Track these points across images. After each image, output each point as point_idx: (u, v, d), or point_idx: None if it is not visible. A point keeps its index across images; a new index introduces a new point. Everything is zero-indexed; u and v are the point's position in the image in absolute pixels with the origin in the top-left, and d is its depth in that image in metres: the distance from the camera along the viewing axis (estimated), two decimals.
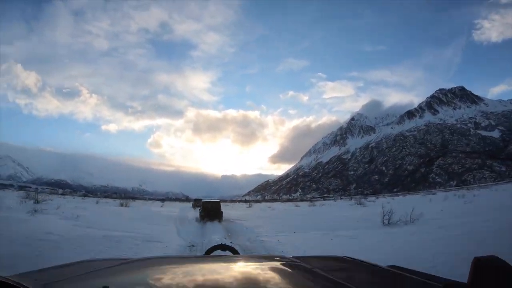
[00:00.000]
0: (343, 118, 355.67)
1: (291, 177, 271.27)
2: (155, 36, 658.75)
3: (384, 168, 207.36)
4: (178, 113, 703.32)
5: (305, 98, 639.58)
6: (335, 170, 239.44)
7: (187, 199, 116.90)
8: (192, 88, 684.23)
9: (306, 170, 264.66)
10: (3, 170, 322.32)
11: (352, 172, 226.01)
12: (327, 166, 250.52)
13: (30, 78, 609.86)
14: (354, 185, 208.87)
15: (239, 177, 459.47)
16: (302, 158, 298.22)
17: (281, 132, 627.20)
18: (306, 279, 1.02)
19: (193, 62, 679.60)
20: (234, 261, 1.48)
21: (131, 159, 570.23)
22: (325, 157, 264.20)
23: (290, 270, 1.16)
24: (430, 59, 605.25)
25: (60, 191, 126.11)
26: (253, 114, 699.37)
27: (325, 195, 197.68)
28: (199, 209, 21.61)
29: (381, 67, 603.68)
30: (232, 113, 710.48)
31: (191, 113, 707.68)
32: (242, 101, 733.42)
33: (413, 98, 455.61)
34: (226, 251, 1.86)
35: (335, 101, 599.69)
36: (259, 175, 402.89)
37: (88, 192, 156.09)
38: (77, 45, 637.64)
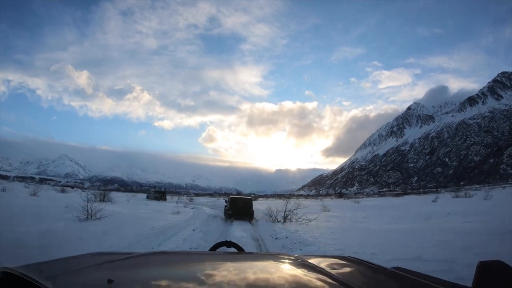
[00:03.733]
0: (400, 108, 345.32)
1: (346, 171, 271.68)
2: (204, 31, 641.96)
3: (447, 160, 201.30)
4: (230, 109, 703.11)
5: (360, 87, 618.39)
6: (393, 162, 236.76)
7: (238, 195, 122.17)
8: (243, 82, 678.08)
9: (362, 163, 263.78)
10: (61, 169, 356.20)
11: (412, 165, 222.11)
12: (384, 158, 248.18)
13: (83, 81, 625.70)
14: (415, 178, 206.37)
15: (293, 172, 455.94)
16: (356, 151, 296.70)
17: (338, 123, 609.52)
18: (312, 277, 1.01)
19: (243, 56, 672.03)
20: (239, 258, 1.50)
21: (186, 156, 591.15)
22: (382, 149, 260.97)
23: (295, 268, 1.17)
24: (489, 40, 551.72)
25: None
26: (311, 105, 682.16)
27: (385, 189, 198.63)
28: (226, 206, 20.00)
29: (438, 52, 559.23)
30: (288, 105, 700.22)
31: (244, 107, 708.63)
32: (298, 92, 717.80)
33: (473, 84, 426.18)
34: (231, 247, 1.87)
35: (392, 90, 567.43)
36: (314, 170, 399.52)
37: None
38: (127, 45, 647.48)
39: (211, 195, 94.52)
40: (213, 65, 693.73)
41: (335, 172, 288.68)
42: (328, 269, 1.11)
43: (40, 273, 0.82)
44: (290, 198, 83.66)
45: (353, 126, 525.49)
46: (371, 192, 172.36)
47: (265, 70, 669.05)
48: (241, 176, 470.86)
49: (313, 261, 1.28)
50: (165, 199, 37.36)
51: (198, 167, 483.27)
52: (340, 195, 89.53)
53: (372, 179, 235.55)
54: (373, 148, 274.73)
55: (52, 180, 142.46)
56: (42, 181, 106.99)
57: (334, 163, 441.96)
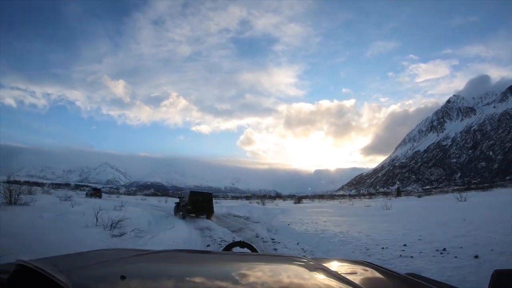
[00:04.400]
0: (439, 101, 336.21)
1: (386, 169, 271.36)
2: (236, 34, 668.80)
3: (491, 153, 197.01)
4: (267, 111, 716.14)
5: (397, 82, 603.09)
6: (435, 158, 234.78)
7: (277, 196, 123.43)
8: (278, 83, 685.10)
9: (402, 161, 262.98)
10: (103, 176, 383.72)
11: (454, 160, 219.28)
12: (425, 154, 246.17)
13: (120, 90, 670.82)
14: (459, 174, 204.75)
15: (333, 172, 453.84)
16: (396, 148, 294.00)
17: (377, 120, 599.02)
18: (324, 281, 1.01)
19: (277, 57, 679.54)
20: (253, 259, 1.51)
21: (224, 159, 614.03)
22: (422, 145, 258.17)
23: (309, 271, 1.16)
24: None
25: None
26: (349, 103, 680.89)
27: (427, 186, 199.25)
28: (180, 202, 18.85)
29: (475, 41, 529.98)
30: (325, 103, 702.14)
31: (281, 108, 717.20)
32: (335, 91, 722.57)
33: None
34: (245, 248, 1.87)
35: (430, 83, 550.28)
36: (354, 169, 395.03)
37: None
38: (161, 53, 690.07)
39: (248, 197, 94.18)
40: (247, 68, 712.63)
41: (375, 171, 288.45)
42: (342, 274, 1.11)
43: (55, 267, 0.83)
44: (334, 199, 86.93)
45: (392, 123, 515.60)
46: (415, 190, 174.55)
47: (299, 70, 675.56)
48: (280, 178, 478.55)
49: (327, 265, 1.29)
50: (100, 196, 39.37)
51: (237, 170, 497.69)
52: (398, 193, 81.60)
53: (413, 176, 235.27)
54: (413, 145, 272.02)
55: (87, 186, 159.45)
56: (77, 187, 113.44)
57: (374, 162, 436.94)
